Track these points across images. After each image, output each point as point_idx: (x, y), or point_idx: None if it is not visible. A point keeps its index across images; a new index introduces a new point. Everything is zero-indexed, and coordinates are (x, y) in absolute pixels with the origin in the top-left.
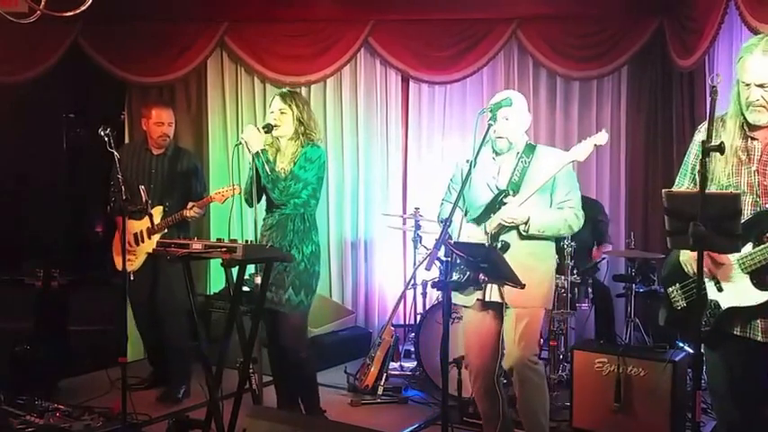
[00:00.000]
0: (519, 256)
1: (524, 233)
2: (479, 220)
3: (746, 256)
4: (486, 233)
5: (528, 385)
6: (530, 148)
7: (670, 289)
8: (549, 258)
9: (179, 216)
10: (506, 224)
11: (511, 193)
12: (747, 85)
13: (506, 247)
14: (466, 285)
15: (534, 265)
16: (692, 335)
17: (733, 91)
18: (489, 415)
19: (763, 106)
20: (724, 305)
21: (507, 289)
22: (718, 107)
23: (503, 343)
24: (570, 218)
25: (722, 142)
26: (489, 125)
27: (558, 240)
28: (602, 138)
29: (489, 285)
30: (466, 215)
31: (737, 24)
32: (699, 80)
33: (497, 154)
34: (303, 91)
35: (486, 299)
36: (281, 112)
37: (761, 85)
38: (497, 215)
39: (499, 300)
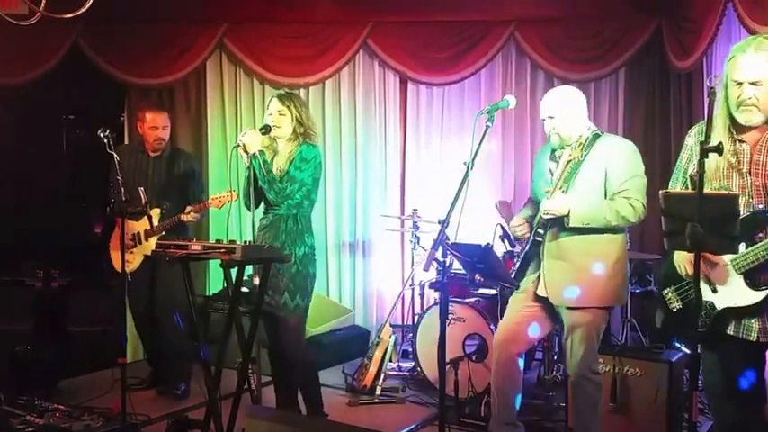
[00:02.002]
0: (567, 253)
1: (566, 225)
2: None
3: (739, 257)
4: (534, 228)
5: (581, 397)
6: (591, 142)
7: (665, 291)
8: (605, 254)
9: (176, 219)
10: (545, 217)
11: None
12: (739, 83)
13: (537, 243)
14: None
15: (584, 263)
16: (689, 336)
17: (720, 93)
18: (498, 390)
19: (755, 105)
20: (719, 306)
21: (554, 285)
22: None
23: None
24: (623, 208)
25: (720, 143)
26: (487, 126)
27: None
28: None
29: (540, 279)
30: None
31: (735, 26)
32: (696, 81)
33: (553, 151)
34: (302, 92)
35: (537, 292)
36: (280, 114)
37: (754, 83)
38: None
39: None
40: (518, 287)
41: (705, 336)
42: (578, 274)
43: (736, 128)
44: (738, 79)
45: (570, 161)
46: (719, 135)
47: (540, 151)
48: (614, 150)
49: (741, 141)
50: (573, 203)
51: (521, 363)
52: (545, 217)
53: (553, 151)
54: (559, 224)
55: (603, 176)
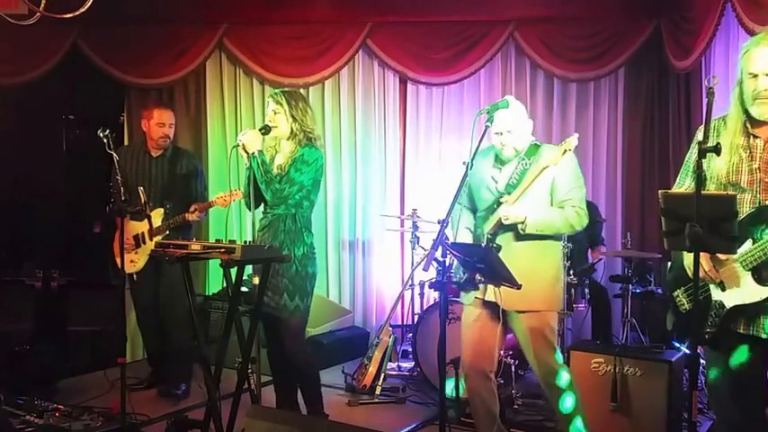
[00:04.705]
0: (517, 258)
1: (522, 232)
2: (483, 222)
3: (747, 253)
4: (484, 235)
5: (555, 393)
6: (533, 149)
7: (675, 293)
8: (551, 259)
9: (181, 219)
10: (505, 222)
11: (506, 195)
12: (755, 75)
13: (498, 248)
14: (466, 286)
15: (534, 267)
16: (694, 335)
17: (735, 90)
18: (479, 415)
19: None
20: (728, 304)
21: (507, 291)
22: (714, 109)
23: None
24: (571, 216)
25: (718, 143)
26: (487, 126)
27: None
28: (572, 142)
29: (489, 285)
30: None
31: (734, 26)
32: (695, 82)
33: (503, 162)
34: (302, 93)
35: (486, 298)
36: (275, 113)
37: None
38: (494, 215)
39: (495, 300)
40: (520, 287)
41: (715, 335)
42: (528, 278)
43: (751, 122)
44: (754, 71)
45: (543, 169)
46: (732, 130)
47: (477, 158)
48: (536, 169)
49: (755, 137)
50: (529, 211)
51: (493, 377)
52: (505, 222)
53: (496, 158)
54: (511, 230)
55: (550, 184)
